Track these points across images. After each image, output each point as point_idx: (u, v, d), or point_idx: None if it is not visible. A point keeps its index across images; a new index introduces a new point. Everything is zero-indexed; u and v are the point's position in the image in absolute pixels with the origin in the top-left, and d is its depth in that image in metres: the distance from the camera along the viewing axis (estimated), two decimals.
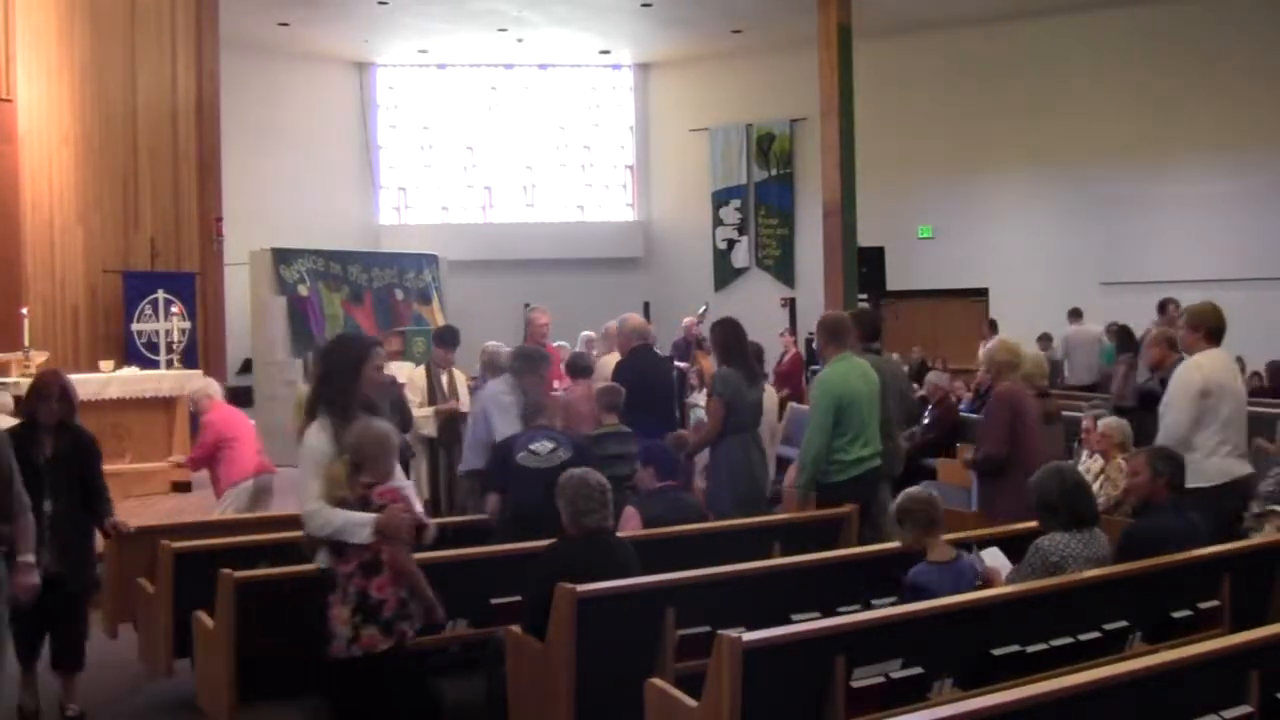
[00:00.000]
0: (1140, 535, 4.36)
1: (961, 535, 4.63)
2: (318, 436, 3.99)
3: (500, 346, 7.73)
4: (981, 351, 6.13)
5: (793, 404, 10.71)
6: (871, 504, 5.80)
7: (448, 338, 7.96)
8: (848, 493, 5.69)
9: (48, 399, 4.91)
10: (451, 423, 7.52)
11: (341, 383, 4.05)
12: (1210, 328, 5.50)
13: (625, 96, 19.29)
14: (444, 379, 7.48)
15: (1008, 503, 5.38)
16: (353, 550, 3.80)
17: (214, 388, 7.18)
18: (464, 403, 7.76)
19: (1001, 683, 3.50)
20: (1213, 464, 5.29)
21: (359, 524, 3.78)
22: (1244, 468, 5.36)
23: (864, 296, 15.57)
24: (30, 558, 4.03)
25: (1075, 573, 4.02)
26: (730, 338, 6.36)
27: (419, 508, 4.07)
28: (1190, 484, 4.74)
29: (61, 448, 4.91)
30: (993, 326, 14.33)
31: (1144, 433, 6.47)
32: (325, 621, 3.83)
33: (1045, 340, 14.26)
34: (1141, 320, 13.55)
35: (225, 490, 6.76)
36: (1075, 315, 14.32)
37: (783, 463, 7.55)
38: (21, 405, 5.14)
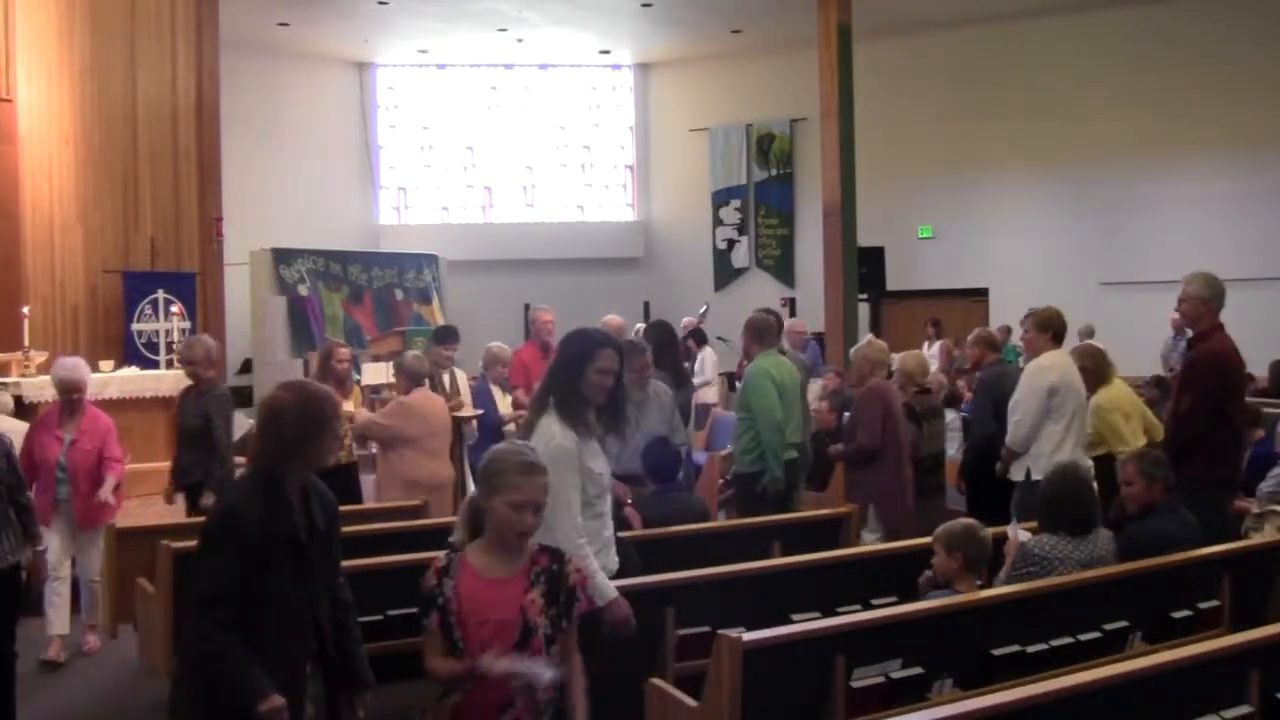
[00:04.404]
0: (1143, 538, 4.37)
1: None
2: (565, 435, 3.53)
3: (504, 347, 7.72)
4: (853, 351, 6.44)
5: (716, 410, 10.52)
6: (791, 494, 6.14)
7: (447, 336, 7.94)
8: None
9: (325, 432, 2.94)
10: (456, 422, 7.50)
11: (567, 377, 3.69)
12: (1056, 330, 6.07)
13: (625, 96, 19.28)
14: (445, 378, 7.45)
15: (875, 489, 5.99)
16: None
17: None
18: (466, 403, 7.72)
19: (1001, 683, 3.50)
20: (1059, 459, 5.56)
21: (604, 587, 3.47)
22: (1085, 461, 5.66)
23: (864, 296, 15.59)
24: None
25: (1066, 574, 4.03)
26: (659, 341, 6.54)
27: None
28: (1037, 477, 5.46)
29: (314, 513, 2.98)
30: (936, 325, 14.39)
31: None
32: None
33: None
34: (1141, 320, 13.58)
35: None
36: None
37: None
38: (266, 444, 2.92)
